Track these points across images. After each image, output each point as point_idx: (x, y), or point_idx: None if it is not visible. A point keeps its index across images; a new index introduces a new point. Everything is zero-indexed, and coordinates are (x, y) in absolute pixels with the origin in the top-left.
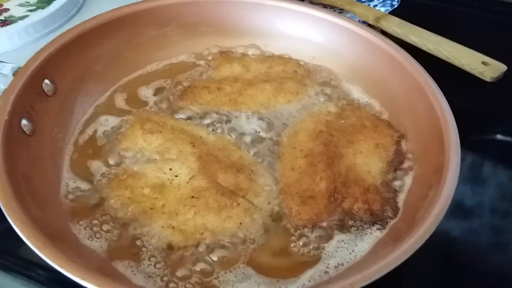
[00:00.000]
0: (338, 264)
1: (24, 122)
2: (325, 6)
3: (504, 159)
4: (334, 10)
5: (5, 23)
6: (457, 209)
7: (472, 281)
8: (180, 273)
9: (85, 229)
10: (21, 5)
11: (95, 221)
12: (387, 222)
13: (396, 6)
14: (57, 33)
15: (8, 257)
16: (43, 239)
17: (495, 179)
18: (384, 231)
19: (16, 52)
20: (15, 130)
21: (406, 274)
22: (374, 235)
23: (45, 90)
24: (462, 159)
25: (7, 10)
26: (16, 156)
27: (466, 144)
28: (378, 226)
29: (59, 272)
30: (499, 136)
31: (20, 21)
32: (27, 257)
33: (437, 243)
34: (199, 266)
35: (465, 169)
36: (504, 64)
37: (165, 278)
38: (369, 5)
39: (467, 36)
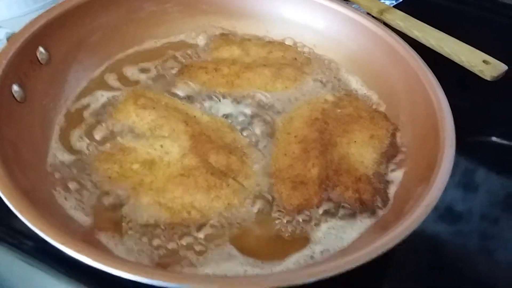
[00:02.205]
0: (324, 249)
1: (15, 88)
2: None
3: (498, 163)
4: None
5: None
6: (447, 213)
7: (459, 284)
8: (163, 249)
9: (70, 199)
10: None
11: (81, 192)
12: (376, 213)
13: (400, 0)
14: None
15: None
16: (26, 203)
17: (487, 184)
18: (373, 221)
19: (13, 21)
20: (5, 95)
21: (392, 274)
22: (363, 224)
23: (39, 58)
24: (455, 163)
25: None
26: (4, 121)
27: (460, 145)
28: (367, 215)
29: (45, 242)
30: (494, 139)
31: None
32: (15, 226)
33: (425, 246)
34: (183, 242)
35: (458, 173)
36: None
37: (147, 253)
38: None
39: (469, 35)
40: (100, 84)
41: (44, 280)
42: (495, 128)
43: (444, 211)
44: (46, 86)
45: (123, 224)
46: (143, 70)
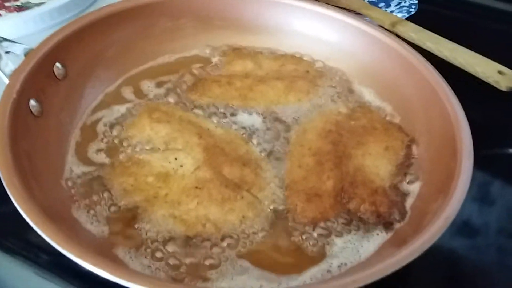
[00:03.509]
0: (342, 264)
1: (32, 102)
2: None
3: None
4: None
5: (21, 8)
6: (464, 227)
7: None
8: (179, 262)
9: (86, 213)
10: None
11: (97, 207)
12: (393, 225)
13: (413, 13)
14: None
15: (12, 240)
16: (42, 216)
17: (504, 197)
18: (390, 234)
19: (30, 38)
20: (23, 109)
21: None
22: (380, 236)
23: (56, 73)
24: (472, 176)
25: None
26: (21, 135)
27: (476, 157)
28: (384, 228)
29: (61, 256)
30: (511, 150)
31: (36, 8)
32: (31, 240)
33: (442, 261)
34: (199, 256)
35: (474, 186)
36: None
37: (163, 267)
38: (385, 10)
39: (482, 47)
40: (116, 98)
41: None
42: (511, 140)
43: (460, 225)
44: (62, 100)
45: (139, 237)
46: (158, 84)
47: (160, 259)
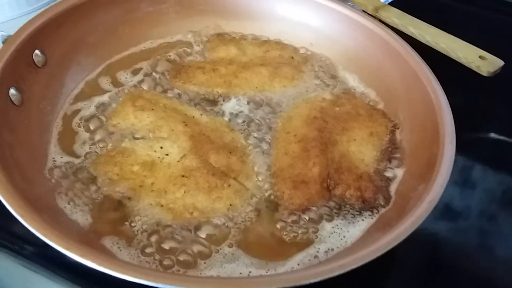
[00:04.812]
0: (328, 249)
1: (12, 91)
2: None
3: (495, 159)
4: None
5: None
6: (445, 211)
7: (458, 282)
8: (166, 251)
9: (71, 203)
10: None
11: (82, 196)
12: (378, 210)
13: None
14: None
15: None
16: (27, 207)
17: (484, 180)
18: (375, 218)
19: (6, 24)
20: (3, 98)
21: (392, 273)
22: (365, 222)
23: (35, 61)
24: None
25: None
26: (3, 125)
27: (458, 142)
28: (369, 213)
29: (45, 247)
30: (492, 135)
31: None
32: (14, 231)
33: (424, 244)
34: (187, 244)
35: (455, 170)
36: None
37: (151, 255)
38: None
39: (464, 32)
40: (97, 86)
41: (45, 285)
42: (493, 125)
43: (442, 209)
44: (43, 89)
45: (125, 226)
46: (140, 71)
47: (148, 248)
